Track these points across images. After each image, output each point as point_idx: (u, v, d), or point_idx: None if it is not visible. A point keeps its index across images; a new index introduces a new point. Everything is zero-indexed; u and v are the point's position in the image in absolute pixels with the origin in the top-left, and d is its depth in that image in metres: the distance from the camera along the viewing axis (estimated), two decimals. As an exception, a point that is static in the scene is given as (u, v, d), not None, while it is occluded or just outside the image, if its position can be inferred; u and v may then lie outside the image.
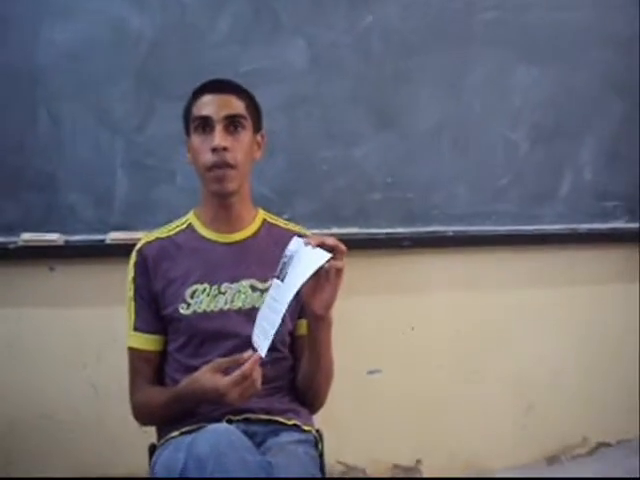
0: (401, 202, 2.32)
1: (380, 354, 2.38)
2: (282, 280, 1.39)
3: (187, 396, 1.45)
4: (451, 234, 2.37)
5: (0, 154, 2.04)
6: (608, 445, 2.62)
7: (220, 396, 1.36)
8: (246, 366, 1.34)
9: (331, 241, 1.37)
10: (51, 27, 2.03)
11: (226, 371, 1.38)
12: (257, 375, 1.36)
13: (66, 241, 2.09)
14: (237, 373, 1.35)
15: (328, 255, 1.33)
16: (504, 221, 2.42)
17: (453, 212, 2.37)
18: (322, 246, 1.35)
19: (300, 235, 1.48)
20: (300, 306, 1.52)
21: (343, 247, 1.37)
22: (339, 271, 1.37)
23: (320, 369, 1.54)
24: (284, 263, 1.41)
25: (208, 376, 1.39)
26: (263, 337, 1.36)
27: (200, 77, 1.61)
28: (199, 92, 1.57)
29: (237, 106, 1.55)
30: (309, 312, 1.44)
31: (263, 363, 1.39)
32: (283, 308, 1.33)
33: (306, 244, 1.37)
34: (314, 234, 1.54)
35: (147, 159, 2.12)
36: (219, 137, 1.50)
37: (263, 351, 1.35)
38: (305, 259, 1.35)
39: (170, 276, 1.55)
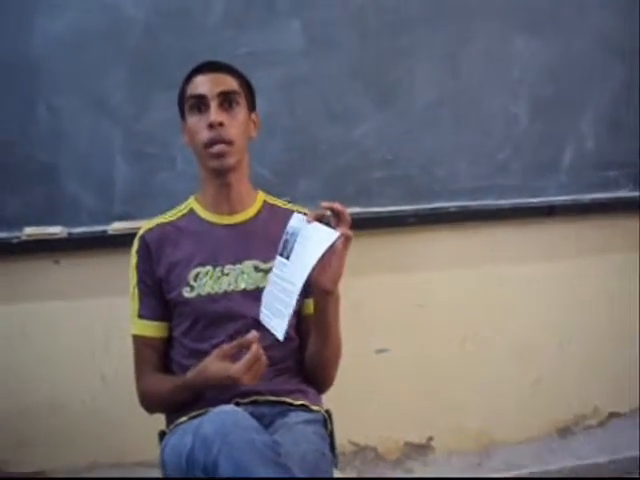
0: (403, 179, 2.31)
1: (388, 333, 2.38)
2: (287, 258, 1.39)
3: (197, 384, 1.45)
4: (454, 209, 2.35)
5: (-1, 148, 2.04)
6: (619, 415, 2.63)
7: (233, 382, 1.36)
8: (254, 347, 1.35)
9: (338, 206, 1.37)
10: (45, 17, 2.02)
11: (232, 356, 1.38)
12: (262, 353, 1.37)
13: (69, 233, 2.09)
14: (248, 357, 1.35)
15: (337, 233, 1.32)
16: (507, 194, 2.40)
17: (456, 187, 2.36)
18: (331, 210, 1.36)
19: (301, 212, 1.48)
20: (306, 285, 1.51)
21: (348, 215, 1.37)
22: (347, 240, 1.36)
23: (328, 346, 1.53)
24: (286, 240, 1.41)
25: (217, 364, 1.39)
26: (278, 319, 1.36)
27: (196, 62, 1.60)
28: (192, 74, 1.58)
29: (230, 83, 1.55)
30: (317, 288, 1.43)
31: (270, 345, 1.39)
32: (297, 289, 1.33)
33: (309, 222, 1.37)
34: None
35: (146, 147, 2.11)
36: (215, 113, 1.50)
37: (280, 334, 1.35)
38: (314, 238, 1.35)
39: (173, 260, 1.55)
